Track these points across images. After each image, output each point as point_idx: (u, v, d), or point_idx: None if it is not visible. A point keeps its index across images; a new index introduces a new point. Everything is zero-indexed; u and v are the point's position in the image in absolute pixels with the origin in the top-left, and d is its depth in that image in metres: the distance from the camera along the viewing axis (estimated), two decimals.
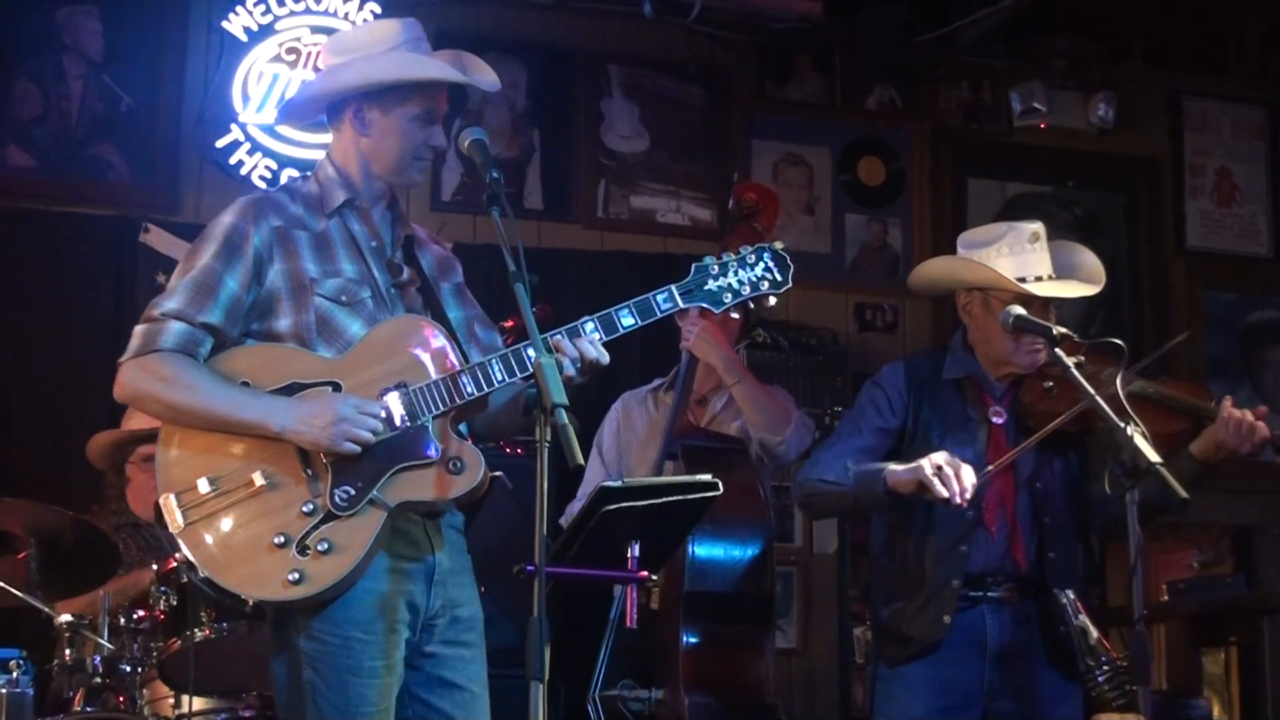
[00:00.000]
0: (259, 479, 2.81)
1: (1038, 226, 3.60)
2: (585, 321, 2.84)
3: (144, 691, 4.07)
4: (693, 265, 2.98)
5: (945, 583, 3.47)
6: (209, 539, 2.80)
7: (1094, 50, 6.57)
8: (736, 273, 2.97)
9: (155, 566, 4.13)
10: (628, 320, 2.88)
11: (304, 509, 2.79)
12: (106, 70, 5.69)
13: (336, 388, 2.86)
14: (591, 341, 2.84)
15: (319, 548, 2.76)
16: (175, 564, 4.02)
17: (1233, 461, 3.39)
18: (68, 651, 4.07)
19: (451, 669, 2.94)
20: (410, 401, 2.84)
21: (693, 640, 3.92)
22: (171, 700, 4.07)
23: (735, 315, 4.27)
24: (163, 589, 4.02)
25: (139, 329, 2.89)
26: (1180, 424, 3.42)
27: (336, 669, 2.79)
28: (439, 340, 2.91)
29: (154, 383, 2.85)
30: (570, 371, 2.79)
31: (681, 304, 2.93)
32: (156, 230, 5.53)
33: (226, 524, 2.81)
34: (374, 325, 2.92)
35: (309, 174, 3.12)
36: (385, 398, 2.84)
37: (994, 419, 3.56)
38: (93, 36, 5.69)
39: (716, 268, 2.97)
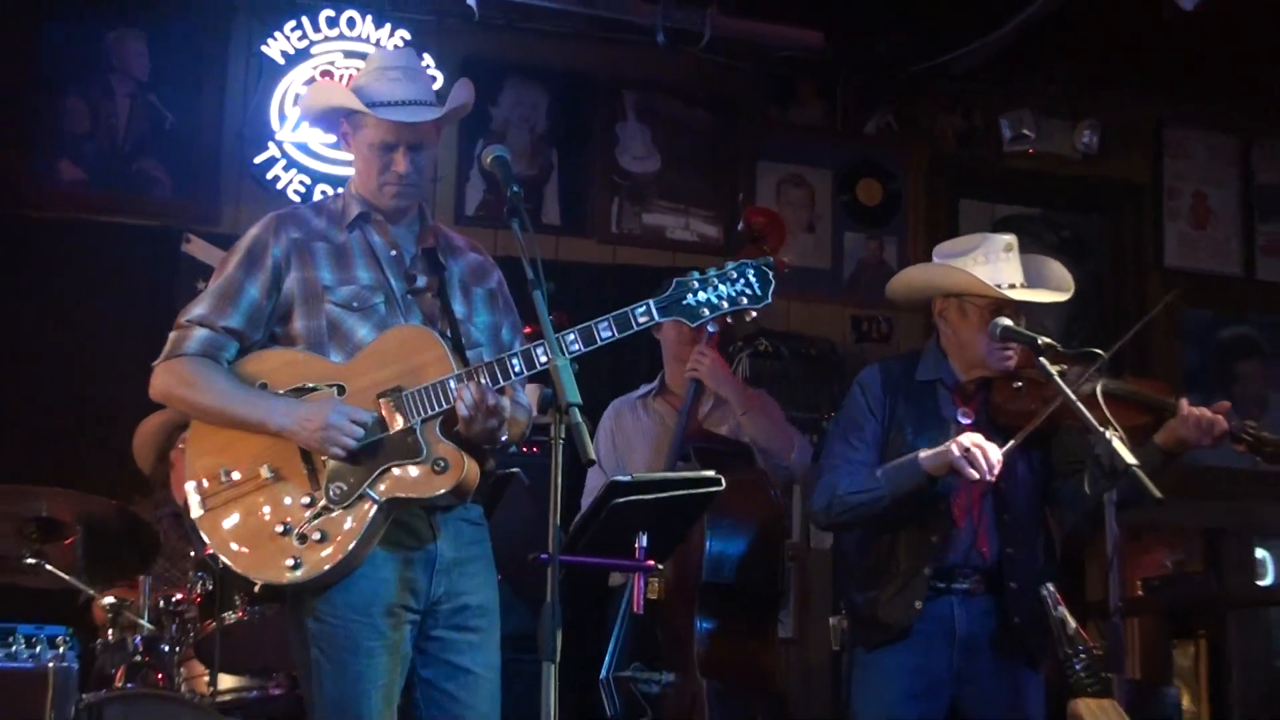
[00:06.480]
0: (265, 473, 2.97)
1: (1010, 238, 3.63)
2: (567, 333, 2.88)
3: (181, 670, 4.21)
4: (674, 280, 2.96)
5: (917, 570, 3.53)
6: (222, 526, 2.98)
7: (1080, 81, 6.66)
8: (716, 288, 2.94)
9: (193, 554, 4.28)
10: (606, 334, 2.91)
11: (303, 501, 2.95)
12: (152, 90, 5.85)
13: (341, 390, 2.99)
14: (485, 387, 2.88)
15: (315, 537, 2.91)
16: (211, 550, 4.26)
17: (1205, 466, 3.33)
18: (110, 631, 4.23)
19: (458, 653, 3.05)
20: (402, 405, 2.95)
21: (708, 627, 3.96)
22: (207, 678, 4.21)
23: (713, 329, 4.30)
24: (200, 574, 4.16)
25: (171, 335, 3.08)
26: (1143, 417, 3.47)
27: (337, 648, 2.93)
28: (439, 349, 2.98)
29: (178, 384, 3.04)
30: (465, 413, 2.88)
31: (658, 318, 2.92)
32: (197, 240, 5.71)
33: (238, 513, 2.97)
34: (384, 330, 3.04)
35: (340, 191, 3.25)
36: (380, 401, 2.96)
37: (962, 419, 3.59)
38: (139, 58, 5.84)
39: (696, 282, 2.94)
